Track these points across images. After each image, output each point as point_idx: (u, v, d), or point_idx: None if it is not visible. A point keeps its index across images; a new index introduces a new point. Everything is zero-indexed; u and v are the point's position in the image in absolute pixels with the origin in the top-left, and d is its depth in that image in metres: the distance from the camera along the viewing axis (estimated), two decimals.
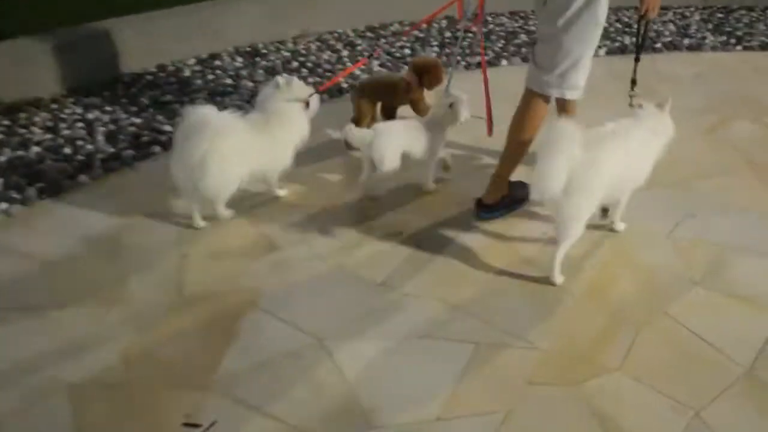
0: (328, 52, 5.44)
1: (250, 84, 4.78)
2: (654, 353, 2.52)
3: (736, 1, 7.03)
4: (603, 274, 2.97)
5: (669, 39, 6.02)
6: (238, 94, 4.60)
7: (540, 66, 3.04)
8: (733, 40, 6.05)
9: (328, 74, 4.94)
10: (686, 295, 2.83)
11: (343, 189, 3.58)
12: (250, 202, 3.39)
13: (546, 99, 3.08)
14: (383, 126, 3.45)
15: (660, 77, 4.99)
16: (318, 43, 5.63)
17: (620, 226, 3.18)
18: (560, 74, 2.99)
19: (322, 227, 3.24)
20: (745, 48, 5.91)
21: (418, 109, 3.88)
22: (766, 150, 4.04)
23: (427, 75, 3.77)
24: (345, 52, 5.45)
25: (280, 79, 3.19)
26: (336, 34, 5.87)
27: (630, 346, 2.55)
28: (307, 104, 3.27)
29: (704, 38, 6.09)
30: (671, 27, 6.36)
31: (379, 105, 3.96)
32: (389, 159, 3.27)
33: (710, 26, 6.44)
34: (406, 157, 3.35)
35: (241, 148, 3.03)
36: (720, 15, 6.77)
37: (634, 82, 3.00)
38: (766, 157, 3.95)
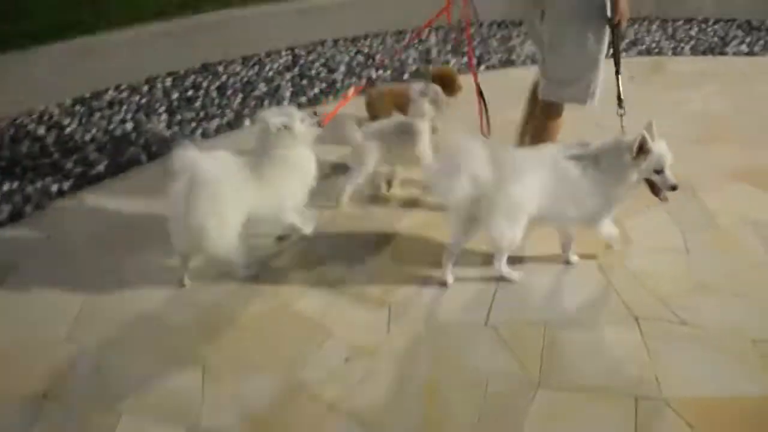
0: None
1: None
2: None
3: None
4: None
5: (414, 67, 5.65)
6: None
7: (561, 78, 3.03)
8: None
9: None
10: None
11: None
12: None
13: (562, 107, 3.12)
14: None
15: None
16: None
17: (573, 258, 3.02)
18: (587, 84, 2.99)
19: None
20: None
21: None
22: None
23: (444, 84, 3.78)
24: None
25: (264, 122, 2.89)
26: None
27: None
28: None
29: None
30: (413, 53, 6.07)
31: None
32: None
33: (449, 48, 6.19)
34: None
35: (234, 196, 2.78)
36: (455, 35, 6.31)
37: (620, 99, 2.86)
38: None
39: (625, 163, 2.61)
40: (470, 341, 2.61)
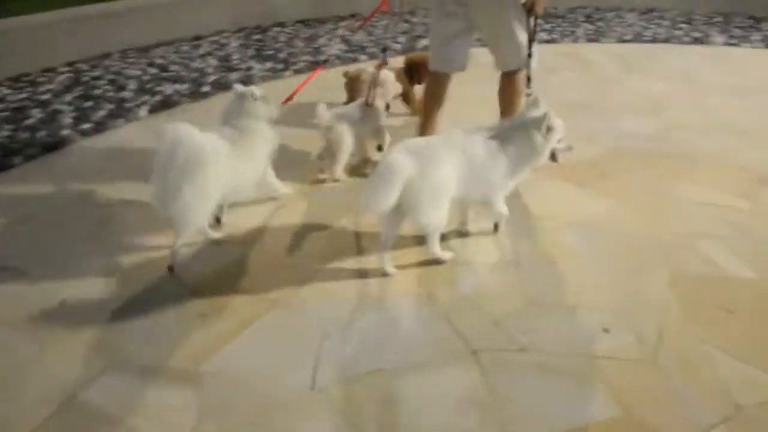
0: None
1: None
2: None
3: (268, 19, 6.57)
4: None
5: (215, 77, 5.22)
6: None
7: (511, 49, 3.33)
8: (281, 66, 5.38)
9: None
10: None
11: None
12: None
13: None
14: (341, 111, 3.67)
15: None
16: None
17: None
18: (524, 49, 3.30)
19: None
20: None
21: (409, 101, 4.35)
22: None
23: (418, 70, 4.06)
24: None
25: (243, 89, 3.09)
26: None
27: None
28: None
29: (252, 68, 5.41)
30: (212, 61, 5.67)
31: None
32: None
33: (252, 52, 5.87)
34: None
35: (220, 173, 2.81)
36: (257, 37, 6.22)
37: (528, 79, 3.19)
38: None
39: (538, 140, 2.88)
40: (295, 413, 2.23)
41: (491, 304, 2.68)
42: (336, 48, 5.65)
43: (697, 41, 6.44)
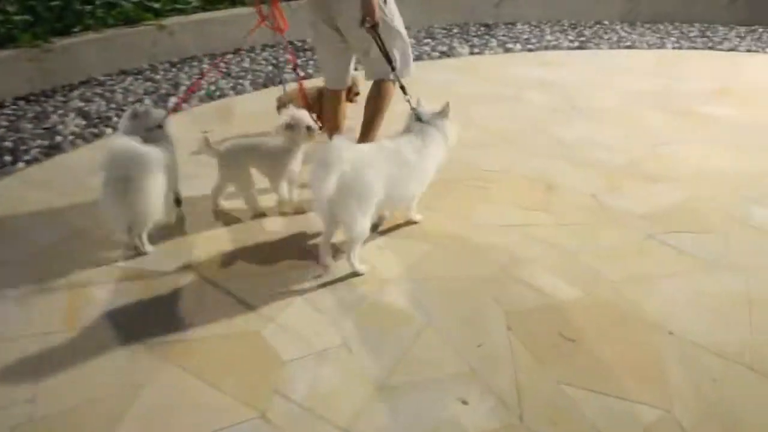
0: None
1: None
2: None
3: None
4: None
5: None
6: None
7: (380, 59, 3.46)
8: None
9: None
10: None
11: None
12: None
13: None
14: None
15: None
16: None
17: (417, 217, 3.41)
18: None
19: None
20: None
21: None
22: None
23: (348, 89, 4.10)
24: None
25: (139, 107, 3.39)
26: None
27: None
28: (161, 127, 3.33)
29: None
30: None
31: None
32: None
33: None
34: None
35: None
36: None
37: (403, 89, 3.34)
38: None
39: (448, 126, 3.22)
40: None
41: (335, 406, 2.28)
42: (73, 125, 4.84)
43: (444, 54, 6.65)
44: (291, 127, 3.35)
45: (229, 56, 6.43)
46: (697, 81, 5.84)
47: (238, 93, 5.46)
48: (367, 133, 3.76)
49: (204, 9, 6.80)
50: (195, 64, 6.25)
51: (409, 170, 3.05)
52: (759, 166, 4.13)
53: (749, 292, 2.88)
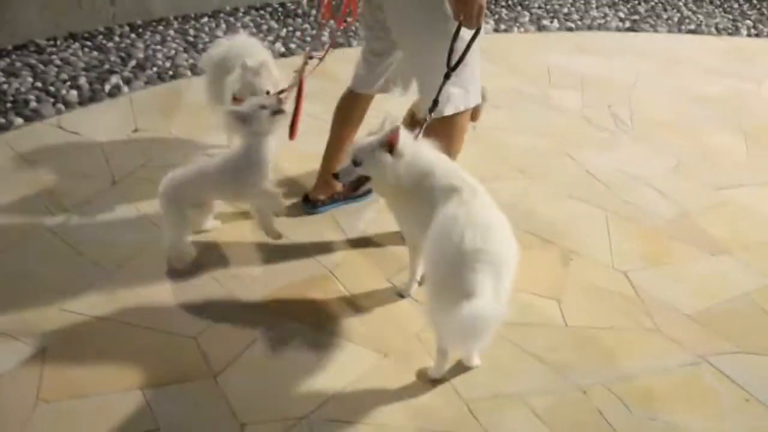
0: None
1: None
2: None
3: None
4: None
5: None
6: None
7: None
8: None
9: None
10: None
11: None
12: None
13: None
14: None
15: None
16: None
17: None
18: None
19: None
20: None
21: None
22: None
23: None
24: None
25: None
26: None
27: None
28: None
29: None
30: None
31: None
32: None
33: None
34: None
35: None
36: None
37: (436, 102, 2.44)
38: None
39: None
40: None
41: None
42: None
43: None
44: (244, 118, 2.51)
45: (204, 20, 5.37)
46: None
47: (197, 73, 4.40)
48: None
49: None
50: (161, 28, 5.19)
51: None
52: None
53: None
